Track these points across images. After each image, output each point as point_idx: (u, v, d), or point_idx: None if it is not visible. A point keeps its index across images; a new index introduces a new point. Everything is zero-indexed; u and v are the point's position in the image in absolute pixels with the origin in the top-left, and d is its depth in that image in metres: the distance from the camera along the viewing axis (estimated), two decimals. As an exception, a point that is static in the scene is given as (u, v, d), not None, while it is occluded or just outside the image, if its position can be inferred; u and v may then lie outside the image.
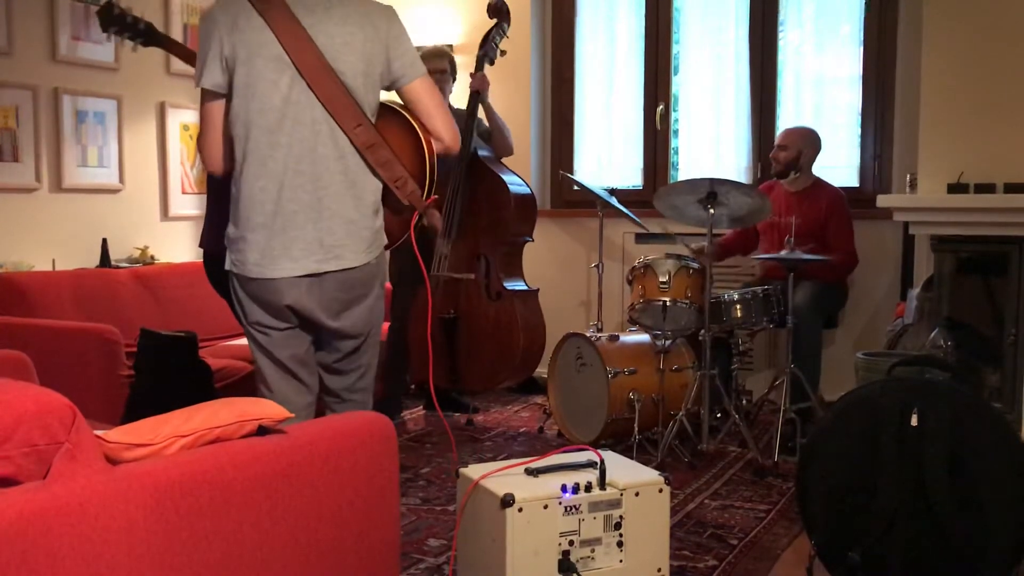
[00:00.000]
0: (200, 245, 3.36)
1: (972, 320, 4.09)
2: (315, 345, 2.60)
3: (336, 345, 2.58)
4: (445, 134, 2.52)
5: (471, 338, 4.45)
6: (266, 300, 2.45)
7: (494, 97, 4.64)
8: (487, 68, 4.49)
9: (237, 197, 2.42)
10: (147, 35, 3.08)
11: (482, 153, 4.49)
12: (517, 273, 4.67)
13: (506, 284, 4.47)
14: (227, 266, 2.48)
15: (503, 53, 4.56)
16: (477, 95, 4.44)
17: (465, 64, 4.92)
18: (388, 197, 2.52)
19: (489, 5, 4.51)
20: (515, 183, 4.50)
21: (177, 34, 5.09)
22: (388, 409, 4.29)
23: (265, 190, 2.38)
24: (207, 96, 2.41)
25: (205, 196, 3.43)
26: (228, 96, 2.40)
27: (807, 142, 4.54)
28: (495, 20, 4.52)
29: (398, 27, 2.47)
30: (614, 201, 4.52)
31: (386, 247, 2.60)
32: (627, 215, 4.62)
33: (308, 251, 2.40)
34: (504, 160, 4.64)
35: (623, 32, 5.53)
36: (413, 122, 2.51)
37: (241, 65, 2.34)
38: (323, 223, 2.40)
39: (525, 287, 4.61)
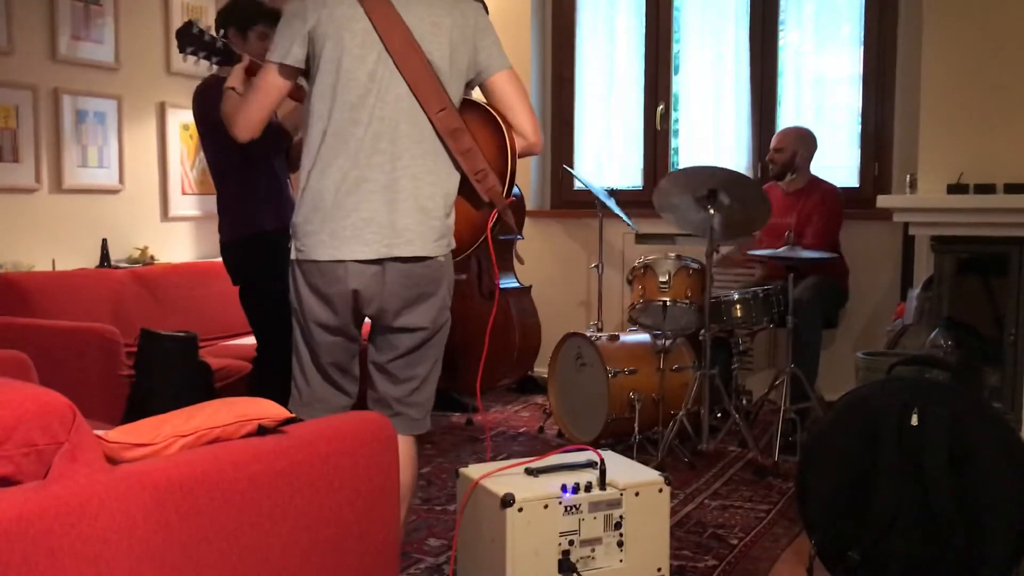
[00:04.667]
0: (223, 229, 3.33)
1: (972, 320, 4.09)
2: (372, 344, 2.45)
3: (393, 342, 2.39)
4: (529, 130, 2.40)
5: (468, 338, 4.45)
6: (329, 291, 2.32)
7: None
8: None
9: (308, 180, 2.31)
10: (225, 54, 2.97)
11: None
12: (509, 271, 4.66)
13: (499, 282, 4.48)
14: (292, 255, 2.35)
15: None
16: None
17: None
18: (464, 193, 2.39)
19: None
20: None
21: (177, 34, 5.10)
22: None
23: (342, 168, 2.28)
24: (280, 71, 2.31)
25: (216, 191, 3.39)
26: (307, 72, 2.32)
27: (802, 142, 4.53)
28: None
29: (485, 19, 2.41)
30: (612, 203, 4.52)
31: (454, 253, 2.41)
32: (624, 218, 4.61)
33: (380, 234, 2.28)
34: None
35: (623, 32, 5.53)
36: (496, 116, 2.39)
37: (329, 39, 2.27)
38: (398, 205, 2.29)
39: (518, 284, 4.60)
